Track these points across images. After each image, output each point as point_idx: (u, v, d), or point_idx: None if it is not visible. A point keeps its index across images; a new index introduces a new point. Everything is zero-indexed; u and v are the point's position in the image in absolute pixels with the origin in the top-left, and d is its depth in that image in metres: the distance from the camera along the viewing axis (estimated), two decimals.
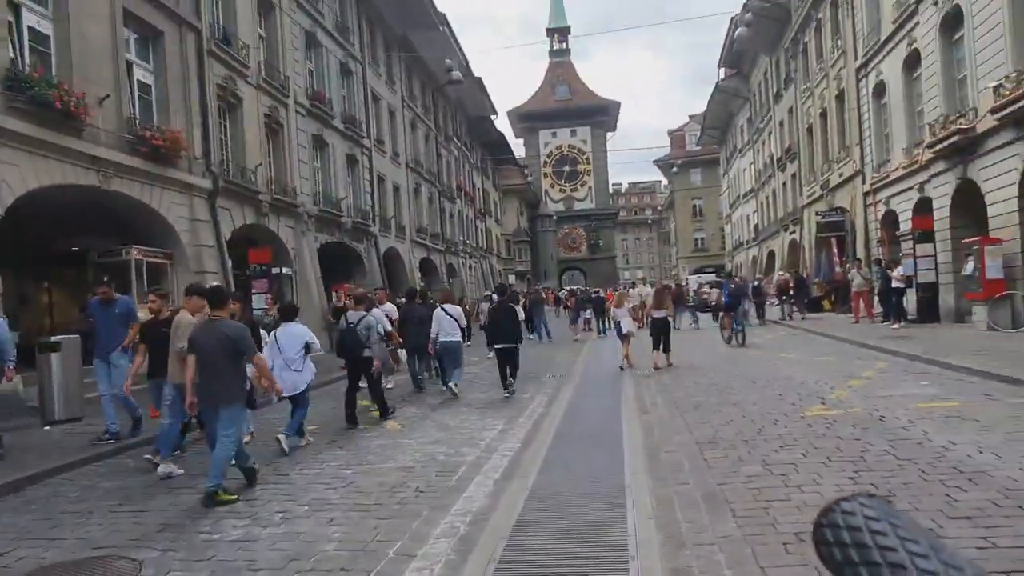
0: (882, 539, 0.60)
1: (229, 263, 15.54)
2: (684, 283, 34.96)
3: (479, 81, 38.71)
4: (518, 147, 71.57)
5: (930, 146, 16.62)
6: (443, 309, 11.00)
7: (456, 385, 10.79)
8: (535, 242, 69.87)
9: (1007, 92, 13.39)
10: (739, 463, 5.96)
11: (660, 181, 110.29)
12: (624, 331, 13.18)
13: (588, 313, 25.10)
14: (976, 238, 14.59)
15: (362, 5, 25.56)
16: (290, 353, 7.70)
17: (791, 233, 33.80)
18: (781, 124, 34.79)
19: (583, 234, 76.73)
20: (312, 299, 19.09)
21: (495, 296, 14.47)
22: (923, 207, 18.44)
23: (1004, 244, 14.14)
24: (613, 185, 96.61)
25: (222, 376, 5.72)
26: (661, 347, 12.98)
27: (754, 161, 42.87)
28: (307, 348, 7.79)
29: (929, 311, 17.19)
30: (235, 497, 5.63)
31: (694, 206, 69.43)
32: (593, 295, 26.38)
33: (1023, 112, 13.08)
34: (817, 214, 24.94)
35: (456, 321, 10.90)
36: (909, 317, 17.23)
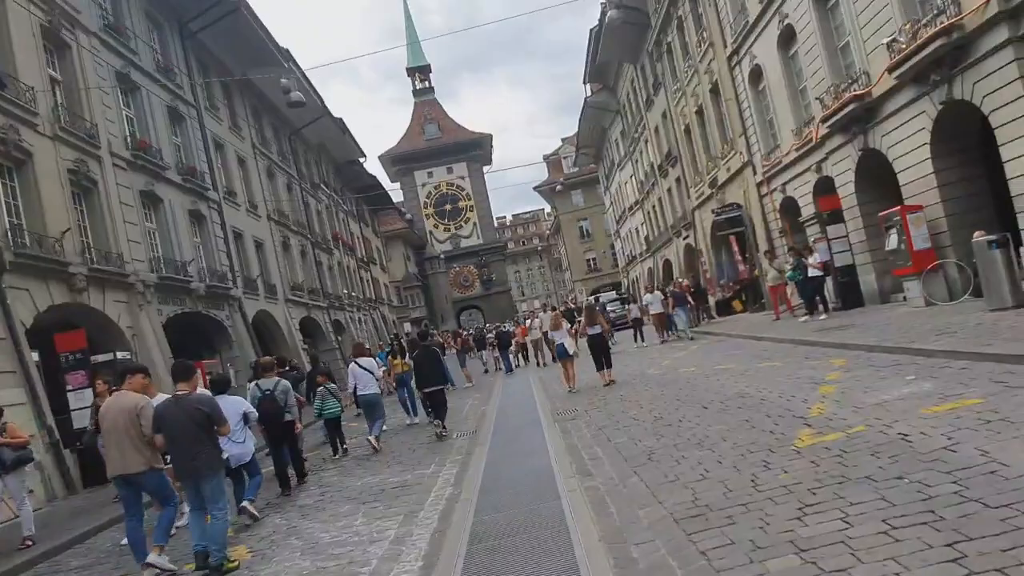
0: None
1: (33, 357, 12.24)
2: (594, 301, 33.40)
3: (340, 122, 36.14)
4: (396, 192, 69.29)
5: (824, 120, 15.64)
6: (357, 363, 10.93)
7: (377, 439, 10.56)
8: (427, 285, 67.36)
9: (903, 47, 12.40)
10: (757, 552, 3.80)
11: (543, 208, 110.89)
12: (570, 352, 12.95)
13: (495, 352, 23.33)
14: (895, 208, 13.49)
15: (188, 43, 22.61)
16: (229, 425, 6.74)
17: (684, 238, 33.07)
18: (656, 130, 34.28)
19: (475, 271, 74.97)
20: (162, 386, 15.76)
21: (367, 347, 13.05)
22: (824, 187, 17.51)
23: (924, 211, 13.10)
24: (498, 218, 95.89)
25: (202, 449, 5.71)
26: (604, 364, 12.72)
27: (634, 172, 42.43)
28: (245, 418, 7.42)
29: (851, 295, 16.11)
30: (237, 564, 5.59)
31: (580, 228, 69.16)
32: (496, 330, 24.69)
33: (924, 65, 12.08)
34: (713, 212, 23.98)
35: (371, 374, 10.88)
36: (832, 305, 16.07)
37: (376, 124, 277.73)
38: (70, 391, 12.41)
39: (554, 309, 24.15)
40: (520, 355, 23.33)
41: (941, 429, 5.31)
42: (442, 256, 70.21)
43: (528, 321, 23.60)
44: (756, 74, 20.30)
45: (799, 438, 5.99)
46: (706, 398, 9.06)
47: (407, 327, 51.05)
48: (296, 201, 32.54)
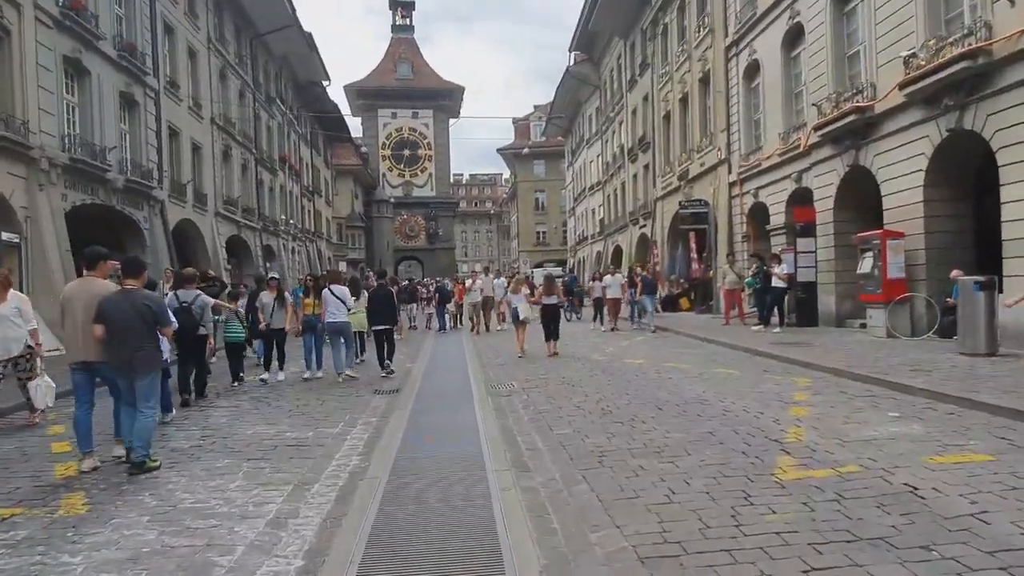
0: None
1: None
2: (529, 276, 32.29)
3: (309, 37, 33.66)
4: (355, 128, 66.46)
5: (818, 128, 14.85)
6: (330, 290, 10.71)
7: (346, 371, 10.57)
8: (370, 228, 65.11)
9: (922, 63, 11.60)
10: None
11: (501, 174, 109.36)
12: (521, 317, 13.11)
13: (428, 308, 22.18)
14: (876, 231, 12.82)
15: None
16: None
17: (641, 227, 32.35)
18: (634, 112, 33.25)
19: (422, 223, 72.82)
20: (51, 279, 14.01)
21: (272, 281, 11.04)
22: (798, 199, 16.85)
23: (904, 239, 12.46)
24: (455, 175, 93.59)
25: (142, 346, 5.58)
26: (552, 335, 12.89)
27: (602, 152, 41.42)
28: None
29: (806, 313, 15.54)
30: (158, 463, 5.57)
31: (536, 199, 68.07)
32: (437, 284, 23.36)
33: (939, 87, 11.31)
34: (680, 204, 23.13)
35: (342, 302, 10.63)
36: (786, 320, 15.45)
37: (345, 54, 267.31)
38: None
39: (499, 273, 23.04)
40: (457, 317, 22.03)
41: (957, 488, 4.43)
42: (392, 200, 67.93)
43: (469, 281, 21.73)
44: (752, 70, 19.40)
45: (780, 467, 5.06)
46: (660, 397, 8.12)
47: (343, 266, 49.09)
48: (247, 111, 30.20)
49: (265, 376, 10.47)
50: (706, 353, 12.52)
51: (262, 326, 10.56)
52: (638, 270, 19.82)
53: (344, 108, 59.47)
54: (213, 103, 25.39)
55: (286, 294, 11.06)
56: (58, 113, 15.23)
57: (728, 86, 20.84)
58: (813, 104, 15.32)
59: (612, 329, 18.06)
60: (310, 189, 44.98)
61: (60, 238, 14.56)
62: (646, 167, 31.67)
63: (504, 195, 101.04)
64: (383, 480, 5.09)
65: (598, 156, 42.87)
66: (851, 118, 13.61)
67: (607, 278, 18.59)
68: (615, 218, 38.62)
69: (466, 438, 6.42)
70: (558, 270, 43.70)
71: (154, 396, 5.76)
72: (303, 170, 42.85)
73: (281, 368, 10.77)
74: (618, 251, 38.02)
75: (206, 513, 4.48)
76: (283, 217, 36.03)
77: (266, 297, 10.63)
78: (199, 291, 9.11)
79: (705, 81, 22.98)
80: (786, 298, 15.20)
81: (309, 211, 44.65)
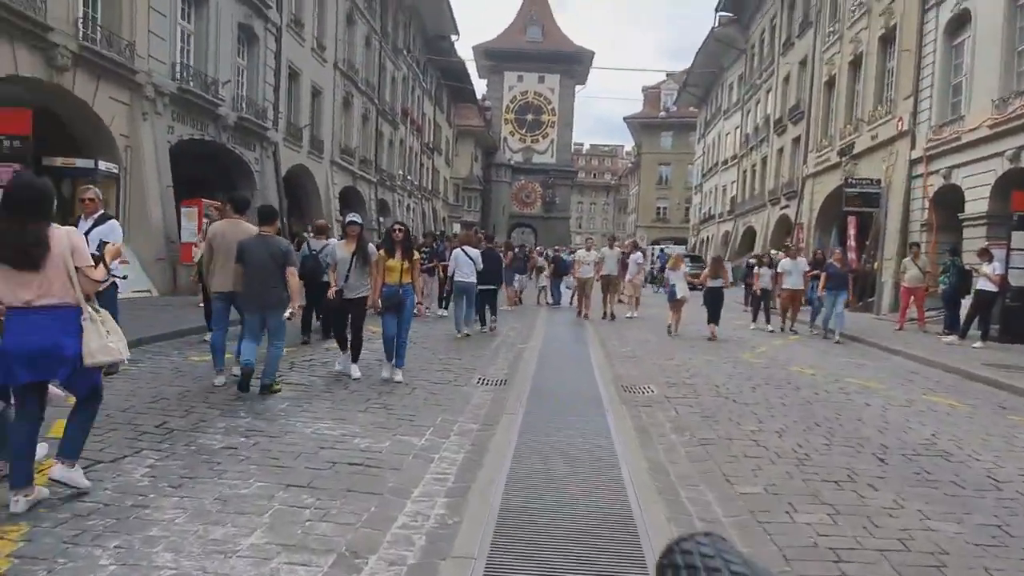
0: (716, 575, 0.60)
1: None
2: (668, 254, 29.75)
3: None
4: (480, 88, 65.08)
5: None
6: (463, 250, 11.24)
7: (464, 330, 11.18)
8: (487, 192, 63.89)
9: None
10: None
11: (623, 146, 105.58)
12: (679, 296, 12.46)
13: (540, 281, 20.03)
14: None
15: None
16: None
17: (782, 208, 28.93)
18: (786, 79, 29.61)
19: (539, 190, 70.89)
20: (148, 215, 13.04)
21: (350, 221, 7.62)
22: (1012, 183, 13.51)
23: None
24: (575, 144, 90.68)
25: (276, 286, 6.13)
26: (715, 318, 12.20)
27: (741, 124, 37.75)
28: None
29: (1015, 327, 12.38)
30: (280, 388, 6.30)
31: (660, 173, 64.55)
32: (555, 253, 21.24)
33: None
34: (846, 182, 19.74)
35: (473, 263, 11.08)
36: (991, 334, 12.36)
37: (473, 10, 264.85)
38: None
39: (634, 247, 19.75)
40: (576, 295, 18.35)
41: None
42: (511, 164, 66.33)
43: (582, 252, 16.08)
44: (959, 21, 15.92)
45: None
46: (871, 439, 5.74)
47: (456, 227, 48.11)
48: (372, 60, 29.07)
49: (339, 366, 7.50)
50: (894, 368, 9.83)
51: (330, 293, 7.20)
52: (831, 261, 13.40)
53: (470, 68, 58.17)
54: (338, 46, 24.26)
55: (370, 247, 7.40)
56: (170, 39, 14.23)
57: (921, 43, 17.33)
58: None
59: (791, 331, 13.59)
60: (430, 146, 44.00)
61: (162, 172, 13.60)
62: (795, 140, 28.18)
63: (625, 168, 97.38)
64: (479, 568, 3.13)
65: (736, 128, 39.24)
66: None
67: (785, 262, 13.78)
68: (750, 196, 35.18)
69: (603, 481, 4.36)
70: (679, 248, 40.74)
71: (283, 332, 6.27)
72: (425, 126, 41.83)
73: (355, 360, 7.33)
74: (750, 232, 34.67)
75: None
76: (400, 172, 35.06)
77: (340, 251, 7.22)
78: (328, 241, 9.64)
79: (887, 39, 19.47)
80: (994, 306, 12.12)
81: (428, 168, 43.73)
